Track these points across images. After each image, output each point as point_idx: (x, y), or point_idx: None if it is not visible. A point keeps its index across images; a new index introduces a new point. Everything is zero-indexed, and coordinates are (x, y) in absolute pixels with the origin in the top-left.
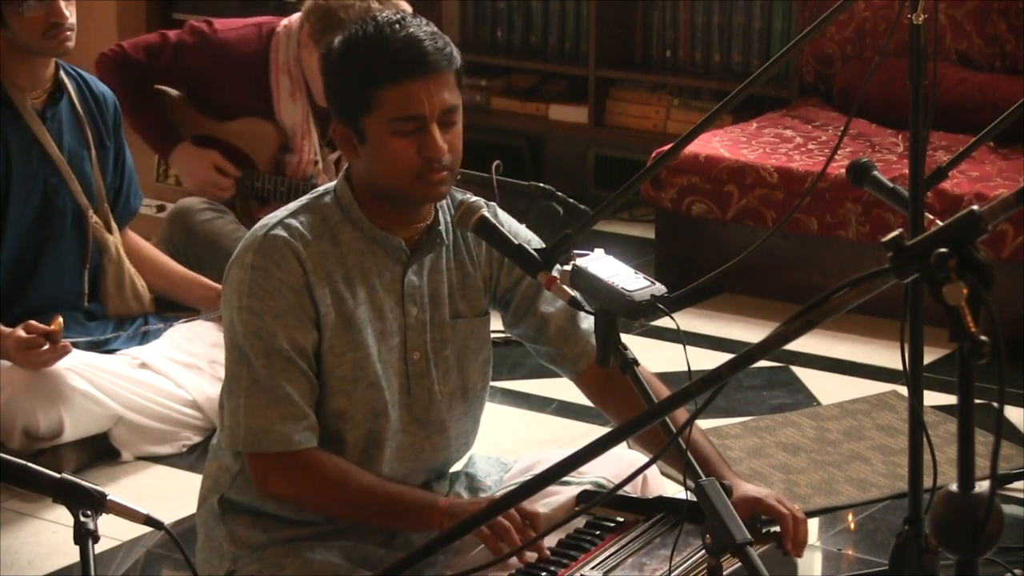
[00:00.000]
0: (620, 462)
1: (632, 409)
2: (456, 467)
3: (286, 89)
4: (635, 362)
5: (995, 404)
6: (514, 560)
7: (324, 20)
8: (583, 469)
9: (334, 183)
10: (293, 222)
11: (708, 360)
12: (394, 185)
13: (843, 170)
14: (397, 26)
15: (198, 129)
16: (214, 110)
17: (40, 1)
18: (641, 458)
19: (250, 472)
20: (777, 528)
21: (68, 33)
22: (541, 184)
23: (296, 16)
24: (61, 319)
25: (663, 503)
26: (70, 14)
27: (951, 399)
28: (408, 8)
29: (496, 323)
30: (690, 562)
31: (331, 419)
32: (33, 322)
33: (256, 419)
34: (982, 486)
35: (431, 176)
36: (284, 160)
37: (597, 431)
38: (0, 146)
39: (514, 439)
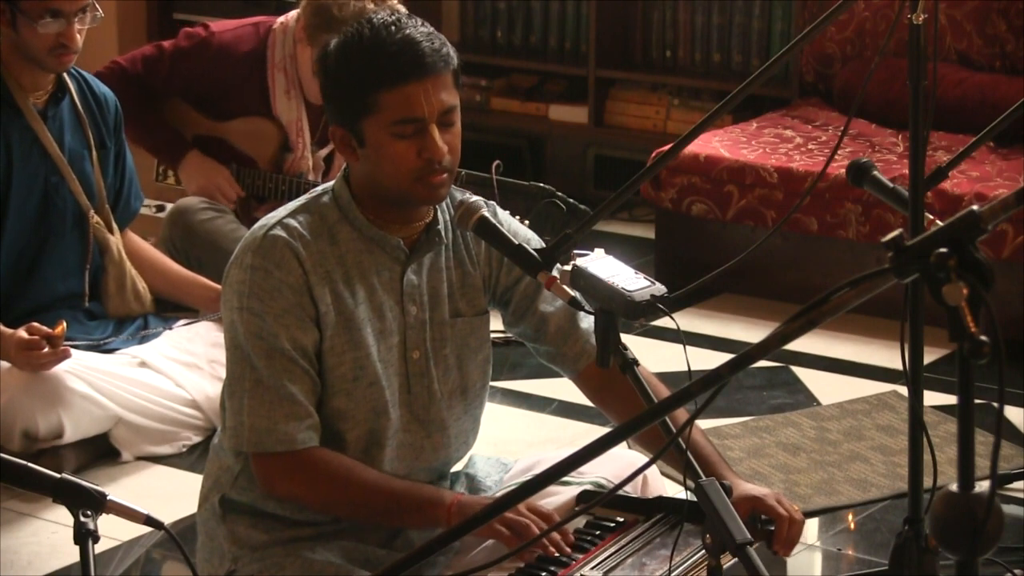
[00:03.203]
0: (620, 462)
1: (632, 409)
2: (456, 467)
3: (281, 86)
4: (635, 362)
5: (995, 404)
6: (517, 558)
7: (318, 16)
8: (583, 469)
9: (332, 183)
10: (292, 222)
11: (708, 360)
12: (394, 187)
13: (843, 170)
14: (393, 28)
15: (199, 129)
16: (215, 111)
17: (56, 22)
18: (641, 458)
19: (254, 472)
20: (772, 527)
21: (72, 56)
22: (541, 184)
23: (293, 13)
24: (65, 323)
25: (663, 503)
26: (80, 38)
27: (951, 399)
28: (402, 9)
29: (496, 323)
30: (690, 562)
31: (332, 418)
32: (36, 324)
33: (260, 419)
34: (982, 486)
35: (431, 179)
36: (284, 158)
37: (597, 431)
38: (1, 145)
39: (514, 439)
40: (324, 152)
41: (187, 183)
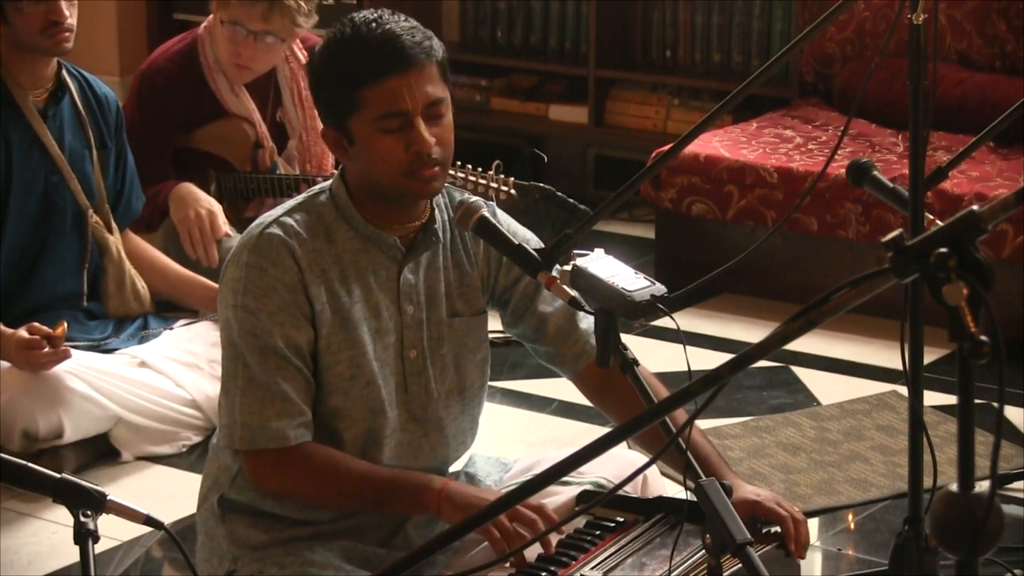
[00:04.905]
0: (620, 462)
1: (632, 409)
2: (456, 467)
3: (225, 86)
4: (635, 362)
5: (995, 404)
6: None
7: None
8: (583, 469)
9: (329, 182)
10: (288, 220)
11: (708, 360)
12: (387, 183)
13: (843, 170)
14: (374, 24)
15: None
16: (183, 126)
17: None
18: (641, 458)
19: (245, 469)
20: (778, 528)
21: (67, 33)
22: (541, 184)
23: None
24: (66, 324)
25: (663, 503)
26: (70, 15)
27: (951, 399)
28: None
29: (496, 323)
30: (690, 562)
31: (329, 418)
32: (37, 324)
33: (252, 416)
34: (982, 486)
35: (421, 172)
36: (257, 153)
37: (597, 431)
38: (1, 144)
39: (514, 439)
40: (293, 142)
41: (174, 211)
